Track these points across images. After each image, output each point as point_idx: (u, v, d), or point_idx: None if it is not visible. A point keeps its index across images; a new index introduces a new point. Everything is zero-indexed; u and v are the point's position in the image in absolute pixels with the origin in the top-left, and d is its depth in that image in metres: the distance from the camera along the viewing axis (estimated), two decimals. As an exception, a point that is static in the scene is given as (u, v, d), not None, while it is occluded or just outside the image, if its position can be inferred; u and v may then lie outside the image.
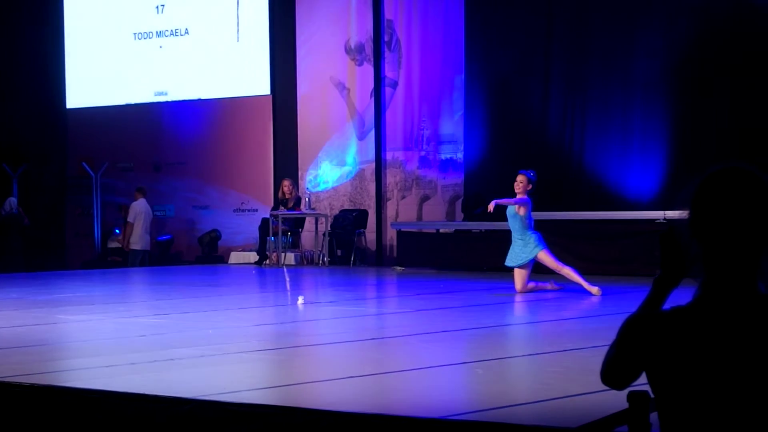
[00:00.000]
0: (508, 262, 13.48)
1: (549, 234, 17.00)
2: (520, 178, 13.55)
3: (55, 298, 13.83)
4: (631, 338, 2.77)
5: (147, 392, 6.21)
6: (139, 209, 21.78)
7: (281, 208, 20.29)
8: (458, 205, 19.73)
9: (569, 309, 11.83)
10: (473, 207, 18.95)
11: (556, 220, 17.18)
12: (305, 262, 20.62)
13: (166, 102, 23.44)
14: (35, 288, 15.27)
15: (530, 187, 13.55)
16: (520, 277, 13.38)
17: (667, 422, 2.73)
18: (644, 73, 17.70)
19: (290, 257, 20.48)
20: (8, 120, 24.87)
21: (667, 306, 2.79)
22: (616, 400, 3.26)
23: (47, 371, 7.48)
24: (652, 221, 16.04)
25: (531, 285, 13.44)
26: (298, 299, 13.14)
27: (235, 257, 21.56)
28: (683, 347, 2.68)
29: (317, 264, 20.25)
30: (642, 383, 2.84)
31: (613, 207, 17.24)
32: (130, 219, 21.77)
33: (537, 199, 17.90)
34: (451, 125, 19.90)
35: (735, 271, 2.71)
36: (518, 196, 13.51)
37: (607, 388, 2.89)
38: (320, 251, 20.36)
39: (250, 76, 22.29)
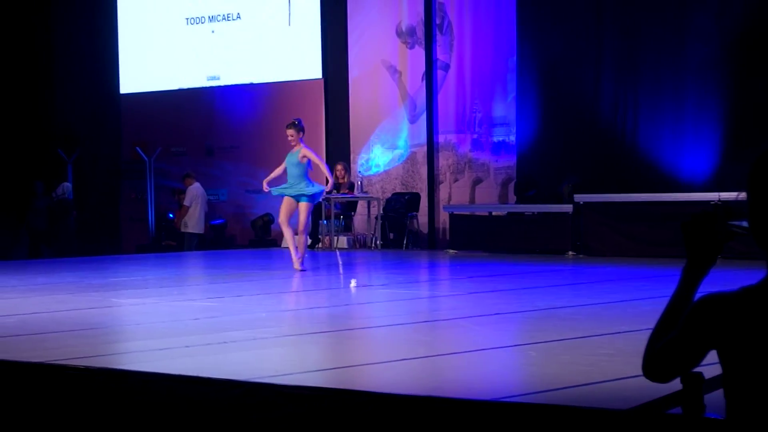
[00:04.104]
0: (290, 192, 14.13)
1: (601, 216, 16.99)
2: (290, 131, 14.13)
3: (110, 282, 13.93)
4: (702, 320, 2.73)
5: (200, 375, 6.25)
6: (197, 192, 21.93)
7: (334, 191, 20.35)
8: (511, 187, 19.66)
9: (621, 291, 11.77)
10: (526, 189, 18.90)
11: (609, 203, 17.10)
12: (358, 246, 20.65)
13: (219, 86, 23.53)
14: (90, 272, 15.39)
15: (301, 134, 14.16)
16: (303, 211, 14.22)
17: (737, 403, 2.70)
18: (697, 54, 17.54)
19: (343, 241, 20.53)
20: (63, 106, 25.10)
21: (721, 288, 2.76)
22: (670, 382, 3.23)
23: (102, 354, 7.55)
24: (706, 203, 15.88)
25: (301, 239, 14.31)
26: (350, 282, 13.15)
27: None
28: (759, 328, 2.65)
29: (369, 247, 20.28)
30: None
31: (666, 189, 17.08)
32: (186, 203, 21.90)
33: (588, 181, 17.87)
34: (503, 107, 19.83)
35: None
36: (296, 149, 14.09)
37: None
38: (373, 234, 20.39)
39: (301, 60, 22.32)
